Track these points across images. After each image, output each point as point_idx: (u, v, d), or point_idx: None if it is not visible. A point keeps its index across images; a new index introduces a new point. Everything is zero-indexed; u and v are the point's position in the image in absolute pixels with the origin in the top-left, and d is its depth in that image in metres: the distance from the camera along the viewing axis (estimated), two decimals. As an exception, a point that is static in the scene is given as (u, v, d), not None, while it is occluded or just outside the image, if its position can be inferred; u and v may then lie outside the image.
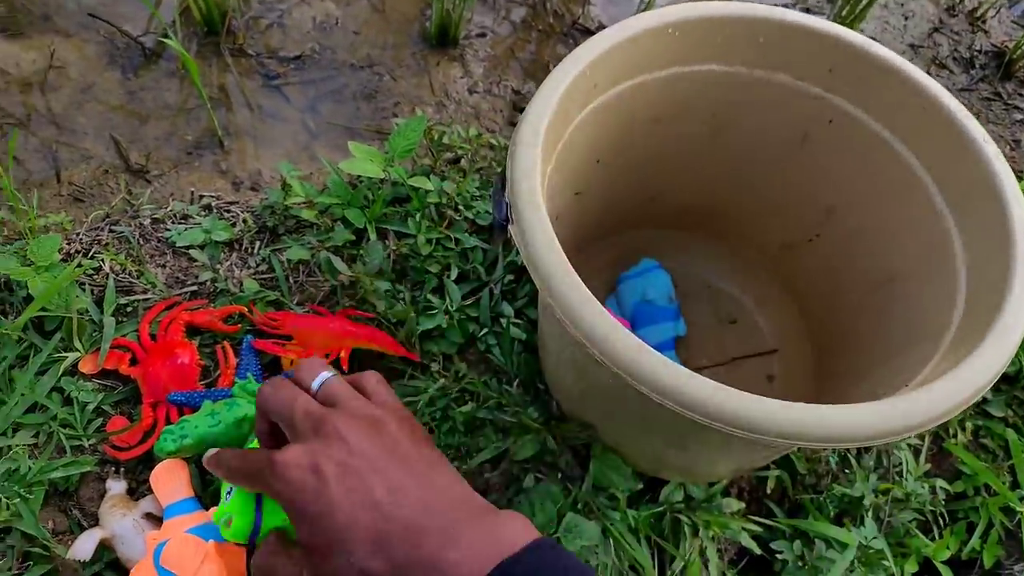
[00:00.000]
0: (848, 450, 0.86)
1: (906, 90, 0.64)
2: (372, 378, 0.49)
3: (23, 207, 0.77)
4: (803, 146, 0.75)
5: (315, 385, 0.48)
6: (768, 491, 0.83)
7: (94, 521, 0.66)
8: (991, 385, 0.51)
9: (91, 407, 0.70)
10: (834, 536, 0.78)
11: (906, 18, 1.49)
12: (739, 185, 0.83)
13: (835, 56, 0.66)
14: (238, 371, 0.72)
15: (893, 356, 0.66)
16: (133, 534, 0.64)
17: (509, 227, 0.56)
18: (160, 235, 0.82)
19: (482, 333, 0.83)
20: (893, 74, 0.64)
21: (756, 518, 0.80)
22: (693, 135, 0.77)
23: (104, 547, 0.64)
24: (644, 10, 1.34)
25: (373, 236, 0.85)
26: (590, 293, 0.51)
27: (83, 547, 0.62)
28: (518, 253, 0.88)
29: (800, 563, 0.78)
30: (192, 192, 0.92)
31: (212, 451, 0.48)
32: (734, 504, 0.79)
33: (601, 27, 1.36)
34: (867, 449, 0.87)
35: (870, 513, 0.83)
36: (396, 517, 0.40)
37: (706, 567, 0.78)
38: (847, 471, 0.85)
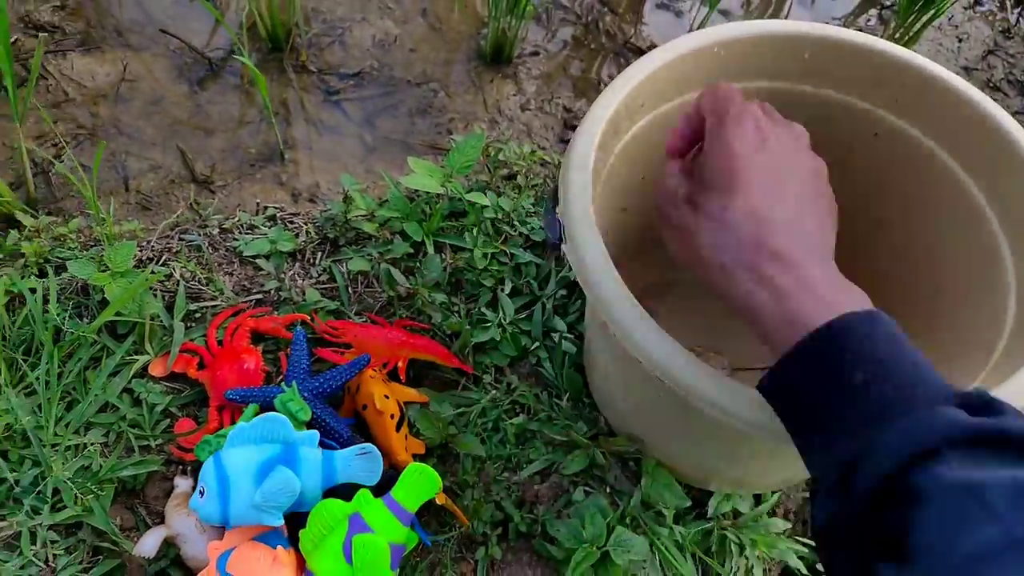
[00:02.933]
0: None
1: (958, 105, 0.64)
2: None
3: (101, 215, 0.80)
4: (848, 159, 0.75)
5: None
6: (816, 514, 0.83)
7: (159, 519, 0.69)
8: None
9: (159, 409, 0.73)
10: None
11: (960, 40, 1.48)
12: None
13: (882, 71, 0.67)
14: (289, 363, 0.74)
15: (940, 364, 0.66)
16: (196, 533, 0.66)
17: (562, 246, 0.58)
18: (228, 244, 0.86)
19: (534, 347, 0.85)
20: (947, 91, 0.65)
21: (802, 539, 0.80)
22: None
23: (168, 544, 0.66)
24: (695, 29, 1.35)
25: (431, 249, 0.87)
26: (645, 312, 0.52)
27: (148, 544, 0.64)
28: (571, 269, 0.90)
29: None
30: (257, 203, 0.95)
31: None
32: (780, 524, 0.79)
33: (653, 46, 1.38)
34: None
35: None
36: (786, 218, 0.44)
37: (752, 585, 0.78)
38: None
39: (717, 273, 0.44)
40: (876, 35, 1.43)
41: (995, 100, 1.38)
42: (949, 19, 1.49)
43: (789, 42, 0.68)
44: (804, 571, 0.78)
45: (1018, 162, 0.61)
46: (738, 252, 0.44)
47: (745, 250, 0.43)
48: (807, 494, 0.83)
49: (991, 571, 0.30)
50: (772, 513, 0.81)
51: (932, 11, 1.29)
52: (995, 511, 0.31)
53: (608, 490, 0.77)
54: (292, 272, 0.85)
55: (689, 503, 0.76)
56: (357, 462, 0.67)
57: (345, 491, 0.67)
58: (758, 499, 0.81)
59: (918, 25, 1.33)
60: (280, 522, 0.63)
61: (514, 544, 0.75)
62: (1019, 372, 0.52)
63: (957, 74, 1.39)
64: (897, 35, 1.35)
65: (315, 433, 0.67)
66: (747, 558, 0.78)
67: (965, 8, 1.52)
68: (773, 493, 0.81)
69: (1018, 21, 1.52)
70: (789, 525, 0.80)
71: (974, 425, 0.35)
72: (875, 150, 0.72)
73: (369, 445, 0.68)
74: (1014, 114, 1.37)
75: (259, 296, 0.82)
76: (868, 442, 0.37)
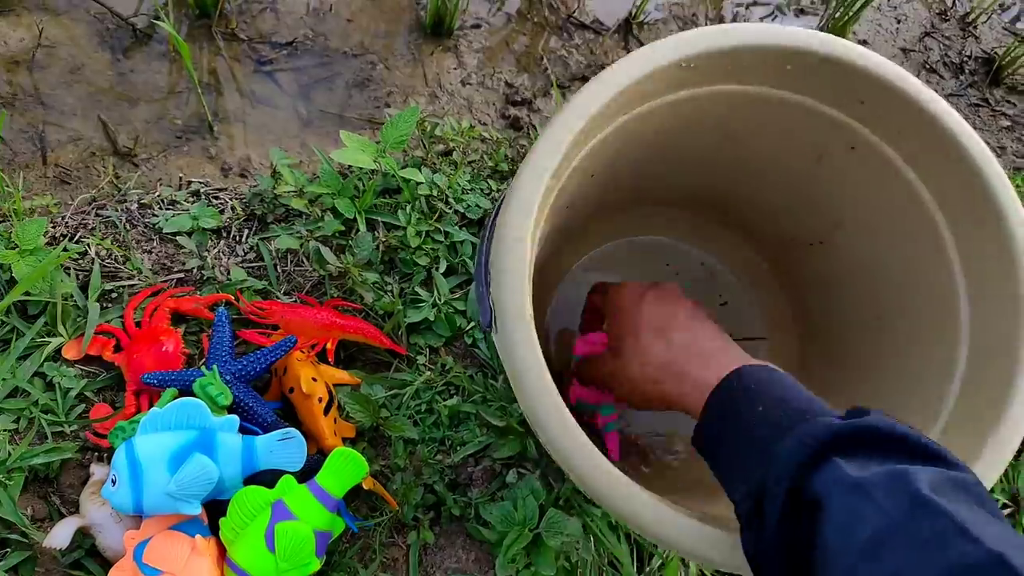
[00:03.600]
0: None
1: (934, 132, 0.61)
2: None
3: (8, 189, 0.76)
4: (818, 164, 0.73)
5: None
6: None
7: (75, 508, 0.66)
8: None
9: (74, 393, 0.70)
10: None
11: (898, 21, 1.50)
12: (750, 187, 0.80)
13: (866, 89, 0.62)
14: (211, 345, 0.71)
15: (886, 396, 0.67)
16: (112, 523, 0.64)
17: (492, 334, 0.52)
18: (147, 221, 0.82)
19: (469, 327, 0.84)
20: (925, 114, 0.60)
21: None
22: (703, 147, 0.74)
23: (84, 535, 0.64)
24: (638, 6, 1.34)
25: (363, 227, 0.85)
26: (577, 428, 0.48)
27: (60, 535, 0.61)
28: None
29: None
30: (180, 178, 0.91)
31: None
32: (715, 503, 0.80)
33: (596, 21, 1.36)
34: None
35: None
36: (683, 329, 0.58)
37: (684, 564, 0.78)
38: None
39: (651, 387, 0.57)
40: (818, 14, 1.43)
41: (931, 82, 1.41)
42: (888, 0, 1.51)
43: (772, 54, 0.61)
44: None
45: (984, 198, 0.59)
46: (659, 366, 0.57)
47: (662, 364, 0.57)
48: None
49: (884, 555, 0.33)
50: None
51: (869, -8, 1.30)
52: (877, 502, 0.35)
53: (540, 473, 0.76)
54: (216, 250, 0.82)
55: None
56: (279, 447, 0.65)
57: (269, 478, 0.65)
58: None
59: (857, 4, 1.34)
60: (198, 511, 0.61)
61: (447, 527, 0.74)
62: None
63: (894, 56, 1.39)
64: (837, 14, 1.36)
65: (234, 418, 0.64)
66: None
67: (903, -11, 1.53)
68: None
69: (954, 3, 1.54)
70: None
71: (849, 426, 0.40)
72: (846, 161, 0.69)
73: (292, 430, 0.66)
74: (949, 96, 1.40)
75: (180, 275, 0.79)
76: (768, 463, 0.41)
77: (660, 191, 0.87)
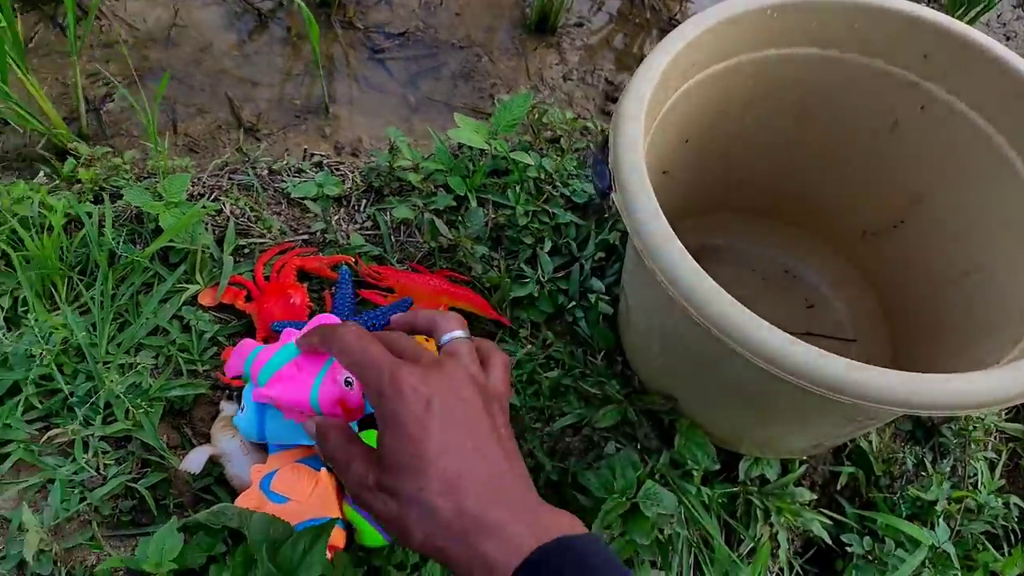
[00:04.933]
0: (924, 454, 0.86)
1: (1005, 78, 0.64)
2: (499, 358, 0.51)
3: (159, 148, 0.82)
4: (893, 132, 0.75)
5: (444, 339, 0.51)
6: (840, 487, 0.84)
7: (205, 440, 0.71)
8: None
9: (208, 336, 0.75)
10: (907, 532, 0.79)
11: (1008, 39, 1.47)
12: (825, 169, 0.83)
13: (931, 43, 0.67)
14: (334, 299, 0.75)
15: (981, 338, 0.67)
16: (240, 454, 0.68)
17: (612, 195, 0.59)
18: (276, 186, 0.87)
19: (570, 305, 0.86)
20: (992, 61, 0.64)
21: (827, 511, 0.82)
22: (783, 118, 0.78)
23: (213, 463, 0.68)
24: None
25: (474, 203, 0.88)
26: (692, 259, 0.53)
27: (195, 460, 0.66)
28: (610, 231, 0.91)
29: (868, 558, 0.79)
30: (305, 149, 0.97)
31: (338, 326, 0.51)
32: (806, 494, 0.80)
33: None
34: (944, 454, 0.87)
35: (942, 519, 0.83)
36: (477, 475, 0.43)
37: (774, 553, 0.79)
38: (923, 474, 0.85)
39: (433, 553, 0.43)
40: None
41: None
42: (998, 16, 1.48)
43: (839, 11, 0.68)
44: (828, 541, 0.79)
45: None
46: (444, 530, 0.42)
47: (451, 526, 0.42)
48: (834, 467, 0.84)
49: None
50: (798, 483, 0.82)
51: (981, 5, 1.29)
52: None
53: (638, 447, 0.78)
54: (338, 217, 0.86)
55: (718, 466, 0.77)
56: None
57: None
58: (785, 469, 0.82)
59: (966, 20, 1.33)
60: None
61: (543, 493, 0.77)
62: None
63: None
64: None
65: None
66: (772, 525, 0.79)
67: (1014, 7, 1.51)
68: (800, 464, 0.82)
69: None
70: (815, 497, 0.81)
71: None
72: (920, 123, 0.73)
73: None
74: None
75: (305, 237, 0.84)
76: None
77: (738, 193, 0.89)
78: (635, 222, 0.55)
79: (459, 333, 0.51)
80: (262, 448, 0.69)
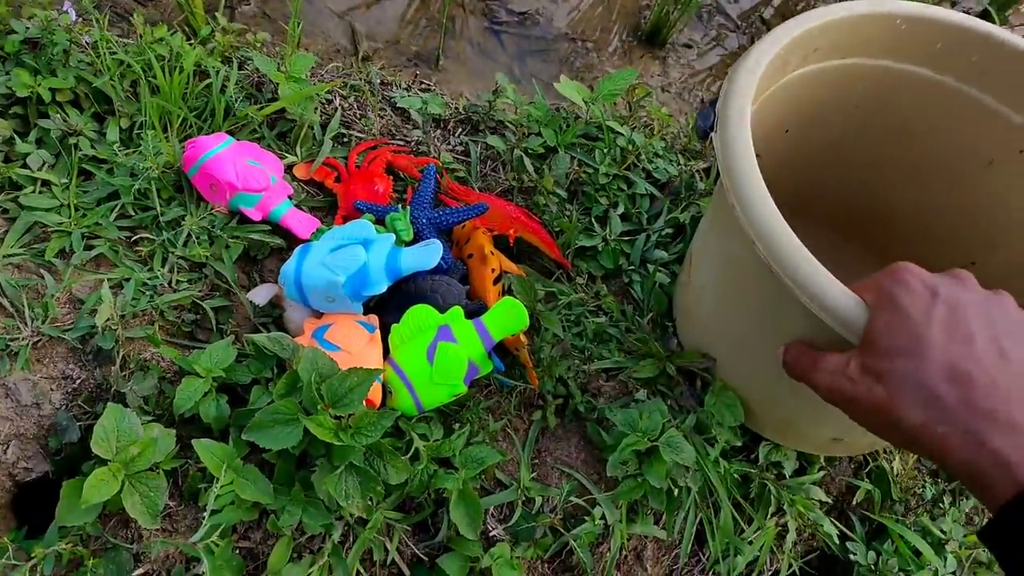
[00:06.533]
0: (945, 491, 0.86)
1: None
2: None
3: (293, 33, 0.88)
4: (986, 170, 0.77)
5: None
6: (855, 502, 0.84)
7: (271, 288, 0.75)
8: None
9: (294, 201, 0.80)
10: (916, 546, 0.78)
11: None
12: (906, 193, 0.85)
13: None
14: (416, 191, 0.80)
15: None
16: (301, 305, 0.72)
17: (712, 135, 0.62)
18: (385, 94, 0.93)
19: (629, 267, 0.89)
20: None
21: (837, 523, 0.81)
22: (882, 133, 0.80)
23: (274, 305, 0.72)
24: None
25: (562, 152, 0.92)
26: (773, 203, 0.56)
27: (261, 292, 0.70)
28: (683, 210, 0.94)
29: (872, 569, 0.79)
30: (414, 74, 1.03)
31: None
32: (822, 494, 0.81)
33: (801, 70, 1.42)
34: (966, 495, 0.86)
35: (951, 556, 0.82)
36: (986, 368, 0.41)
37: (779, 545, 0.79)
38: (939, 508, 0.84)
39: (926, 440, 0.41)
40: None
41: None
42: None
43: (968, 39, 0.70)
44: (836, 540, 0.79)
45: None
46: (946, 416, 0.41)
47: (955, 414, 0.40)
48: (852, 478, 0.84)
49: None
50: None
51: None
52: None
53: (669, 403, 0.80)
54: (434, 136, 0.91)
55: (739, 443, 0.78)
56: (419, 251, 0.70)
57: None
58: (803, 469, 0.83)
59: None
60: (359, 309, 0.69)
61: (568, 423, 0.79)
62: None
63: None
64: None
65: (390, 236, 0.71)
66: (784, 513, 0.79)
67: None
68: (819, 470, 0.82)
69: None
70: (830, 501, 0.81)
71: None
72: (1016, 167, 0.73)
73: (434, 240, 0.72)
74: None
75: (401, 142, 0.89)
76: None
77: (821, 204, 0.90)
78: (729, 156, 0.58)
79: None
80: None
